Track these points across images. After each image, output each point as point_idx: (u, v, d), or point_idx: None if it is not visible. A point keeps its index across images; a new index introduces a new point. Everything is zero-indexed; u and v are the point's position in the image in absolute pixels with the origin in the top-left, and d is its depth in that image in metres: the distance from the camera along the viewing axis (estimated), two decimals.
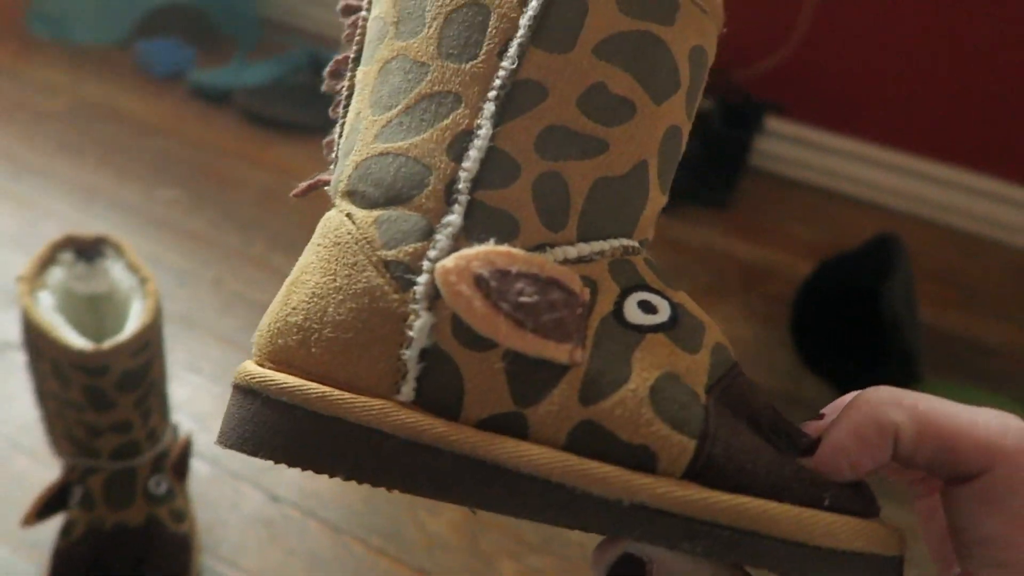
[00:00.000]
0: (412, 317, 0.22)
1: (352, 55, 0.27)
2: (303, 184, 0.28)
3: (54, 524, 0.65)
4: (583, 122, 0.22)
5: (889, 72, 1.43)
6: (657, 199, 0.25)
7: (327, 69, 0.28)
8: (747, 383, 0.23)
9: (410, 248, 0.22)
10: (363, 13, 0.27)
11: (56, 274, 0.60)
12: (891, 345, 0.91)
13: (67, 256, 0.61)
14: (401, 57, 0.24)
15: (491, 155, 0.22)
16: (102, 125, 1.32)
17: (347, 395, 0.22)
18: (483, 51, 0.23)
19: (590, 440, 0.21)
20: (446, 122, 0.23)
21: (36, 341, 0.55)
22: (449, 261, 0.21)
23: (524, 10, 0.22)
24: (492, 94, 0.22)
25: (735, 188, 1.37)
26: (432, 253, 0.22)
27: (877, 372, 0.91)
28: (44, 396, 0.58)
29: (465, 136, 0.22)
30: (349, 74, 0.27)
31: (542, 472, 0.20)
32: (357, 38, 0.27)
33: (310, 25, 1.86)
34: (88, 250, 0.62)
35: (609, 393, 0.21)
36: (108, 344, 0.54)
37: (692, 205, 1.33)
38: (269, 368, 0.23)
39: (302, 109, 1.39)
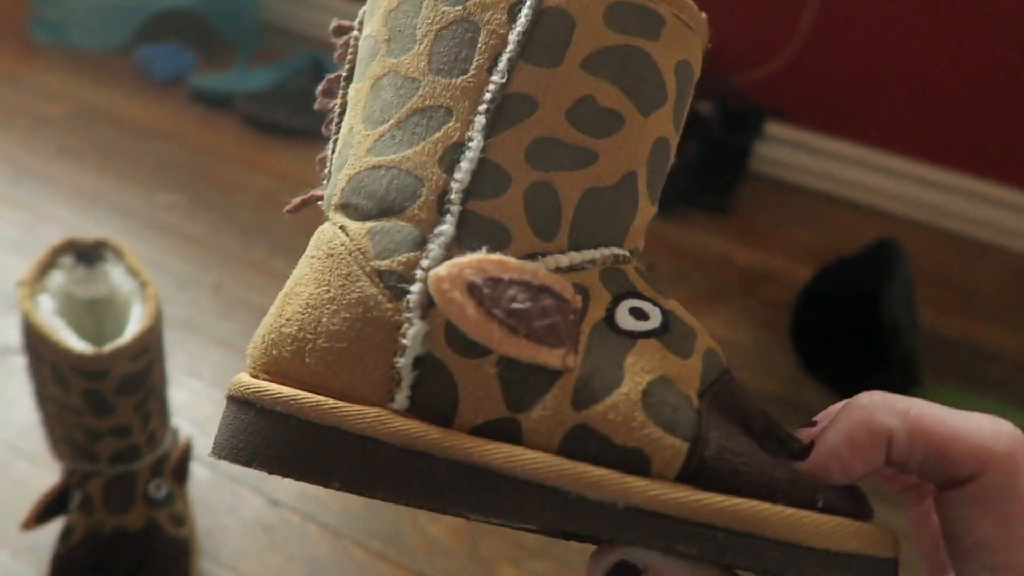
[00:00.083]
0: (406, 325, 0.22)
1: (344, 73, 0.27)
2: (296, 200, 0.28)
3: (53, 528, 0.65)
4: (572, 134, 0.23)
5: (889, 77, 1.43)
6: (647, 209, 0.25)
7: (319, 88, 0.28)
8: (739, 388, 0.23)
9: (403, 258, 0.22)
10: (355, 33, 0.27)
11: (56, 278, 0.60)
12: (891, 350, 0.91)
13: (67, 260, 0.61)
14: (392, 73, 0.24)
15: (482, 166, 0.23)
16: (102, 130, 1.32)
17: (341, 404, 0.22)
18: (473, 66, 0.23)
19: (584, 444, 0.21)
20: (437, 135, 0.23)
21: (36, 345, 0.55)
22: (442, 269, 0.21)
23: (513, 26, 0.23)
24: (483, 107, 0.23)
25: (735, 193, 1.37)
26: (425, 262, 0.22)
27: (877, 377, 0.91)
28: (44, 400, 0.58)
29: (456, 148, 0.23)
30: (341, 92, 0.27)
31: (536, 476, 0.20)
32: (349, 57, 0.27)
33: (311, 30, 1.87)
34: (88, 254, 0.62)
35: (602, 397, 0.21)
36: (108, 348, 0.54)
37: (692, 210, 1.33)
38: (264, 379, 0.24)
39: (302, 114, 1.39)
